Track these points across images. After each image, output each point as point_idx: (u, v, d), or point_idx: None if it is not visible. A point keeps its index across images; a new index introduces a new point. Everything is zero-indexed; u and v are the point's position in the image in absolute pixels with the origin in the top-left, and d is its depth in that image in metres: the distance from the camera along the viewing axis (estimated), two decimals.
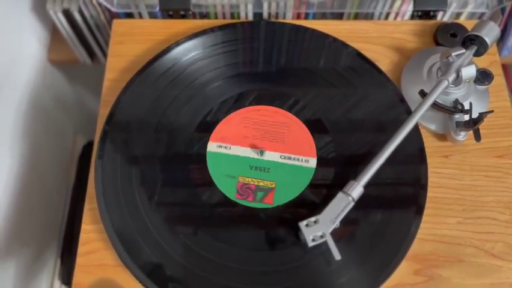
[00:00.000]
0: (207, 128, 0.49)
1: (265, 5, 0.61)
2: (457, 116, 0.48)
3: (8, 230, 0.63)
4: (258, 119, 0.50)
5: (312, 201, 0.46)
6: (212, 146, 0.48)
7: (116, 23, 0.57)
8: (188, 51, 0.52)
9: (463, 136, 0.48)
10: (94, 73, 0.82)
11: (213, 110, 0.50)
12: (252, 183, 0.47)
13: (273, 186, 0.46)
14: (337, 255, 0.40)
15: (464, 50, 0.47)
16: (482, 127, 0.49)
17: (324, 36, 0.53)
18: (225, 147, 0.48)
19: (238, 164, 0.47)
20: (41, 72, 0.73)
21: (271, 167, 0.47)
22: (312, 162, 0.47)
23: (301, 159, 0.48)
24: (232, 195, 0.46)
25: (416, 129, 0.47)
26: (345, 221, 0.42)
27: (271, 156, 0.48)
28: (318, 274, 0.43)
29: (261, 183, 0.47)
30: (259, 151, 0.47)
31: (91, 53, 0.76)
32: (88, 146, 0.90)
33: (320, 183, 0.46)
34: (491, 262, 0.45)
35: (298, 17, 0.64)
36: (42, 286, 0.76)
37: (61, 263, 0.80)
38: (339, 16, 0.65)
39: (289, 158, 0.48)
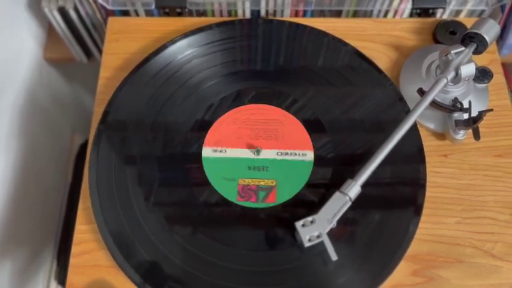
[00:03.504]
0: (203, 127, 0.48)
1: (263, 3, 0.60)
2: (456, 115, 0.48)
3: (4, 230, 0.63)
4: (249, 118, 0.49)
5: (310, 201, 0.45)
6: (207, 151, 0.47)
7: (112, 20, 0.56)
8: (184, 49, 0.51)
9: (462, 135, 0.47)
10: (91, 71, 0.82)
11: (210, 108, 0.49)
12: (253, 183, 0.46)
13: (274, 184, 0.46)
14: (333, 256, 0.40)
15: (463, 48, 0.46)
16: (482, 126, 0.48)
17: (322, 34, 0.53)
18: (220, 151, 0.47)
19: (236, 166, 0.47)
20: (37, 70, 0.73)
21: (269, 165, 0.47)
22: (310, 156, 0.47)
23: (299, 154, 0.47)
24: (233, 197, 0.45)
25: (414, 128, 0.47)
26: (343, 221, 0.42)
27: (268, 154, 0.47)
28: (316, 275, 0.42)
29: (262, 183, 0.46)
30: (255, 150, 0.47)
31: (87, 52, 0.76)
32: (85, 145, 0.90)
33: (318, 182, 0.46)
34: (491, 262, 0.45)
35: (296, 14, 0.64)
36: (38, 287, 0.76)
37: (58, 263, 0.80)
38: (337, 14, 0.65)
39: (287, 154, 0.47)
